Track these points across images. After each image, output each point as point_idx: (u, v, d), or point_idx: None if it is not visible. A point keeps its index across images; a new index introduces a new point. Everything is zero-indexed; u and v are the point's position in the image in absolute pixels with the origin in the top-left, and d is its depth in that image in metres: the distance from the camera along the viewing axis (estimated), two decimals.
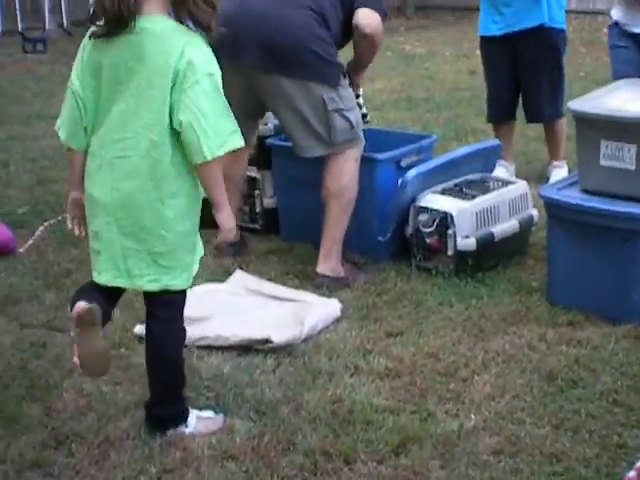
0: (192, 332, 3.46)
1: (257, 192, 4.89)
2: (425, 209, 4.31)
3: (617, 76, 4.76)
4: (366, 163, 4.30)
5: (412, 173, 4.29)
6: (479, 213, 4.28)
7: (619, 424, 3.05)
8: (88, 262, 3.06)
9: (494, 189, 4.46)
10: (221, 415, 3.15)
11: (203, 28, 2.83)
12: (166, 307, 2.98)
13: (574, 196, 3.88)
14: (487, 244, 4.25)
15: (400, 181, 4.28)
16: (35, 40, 11.82)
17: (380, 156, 4.42)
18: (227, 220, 2.94)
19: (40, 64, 10.75)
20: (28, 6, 13.30)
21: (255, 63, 4.14)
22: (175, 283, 2.94)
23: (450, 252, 4.23)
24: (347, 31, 4.22)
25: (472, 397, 3.24)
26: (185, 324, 3.09)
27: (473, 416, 3.12)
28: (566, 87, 5.62)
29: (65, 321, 3.74)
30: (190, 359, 3.45)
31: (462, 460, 2.88)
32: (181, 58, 2.75)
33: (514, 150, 5.91)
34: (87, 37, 2.87)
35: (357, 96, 4.47)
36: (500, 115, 5.71)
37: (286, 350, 3.58)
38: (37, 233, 4.94)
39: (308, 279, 4.26)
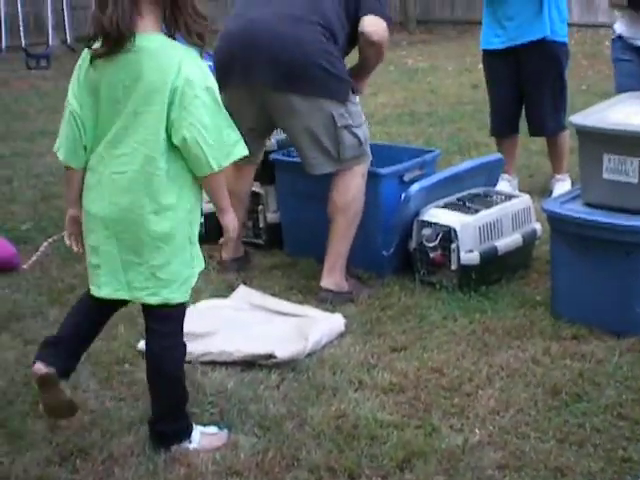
0: (196, 348, 3.47)
1: (260, 207, 4.88)
2: (428, 223, 4.31)
3: (620, 89, 4.78)
4: (369, 178, 4.30)
5: (415, 187, 4.28)
6: (482, 227, 4.27)
7: (624, 438, 3.04)
8: None
9: (497, 203, 4.46)
10: (225, 431, 3.14)
11: (198, 39, 2.86)
12: (165, 321, 2.99)
13: (577, 210, 3.87)
14: (491, 258, 4.25)
15: (403, 195, 4.28)
16: (39, 56, 11.87)
17: (383, 171, 4.41)
18: (231, 221, 3.01)
19: (44, 80, 10.79)
20: (31, 22, 13.35)
21: (266, 81, 4.13)
22: (174, 296, 2.94)
23: (454, 266, 4.23)
24: (352, 38, 4.23)
25: (476, 412, 3.23)
26: (189, 340, 3.10)
27: (478, 431, 3.11)
28: (568, 100, 5.62)
29: None
30: (194, 375, 3.45)
31: (467, 475, 2.87)
32: (178, 75, 2.78)
33: (517, 164, 5.91)
34: (83, 56, 2.89)
35: None
36: (503, 128, 5.72)
37: (290, 365, 3.58)
38: (41, 249, 4.94)
39: (312, 294, 4.26)
